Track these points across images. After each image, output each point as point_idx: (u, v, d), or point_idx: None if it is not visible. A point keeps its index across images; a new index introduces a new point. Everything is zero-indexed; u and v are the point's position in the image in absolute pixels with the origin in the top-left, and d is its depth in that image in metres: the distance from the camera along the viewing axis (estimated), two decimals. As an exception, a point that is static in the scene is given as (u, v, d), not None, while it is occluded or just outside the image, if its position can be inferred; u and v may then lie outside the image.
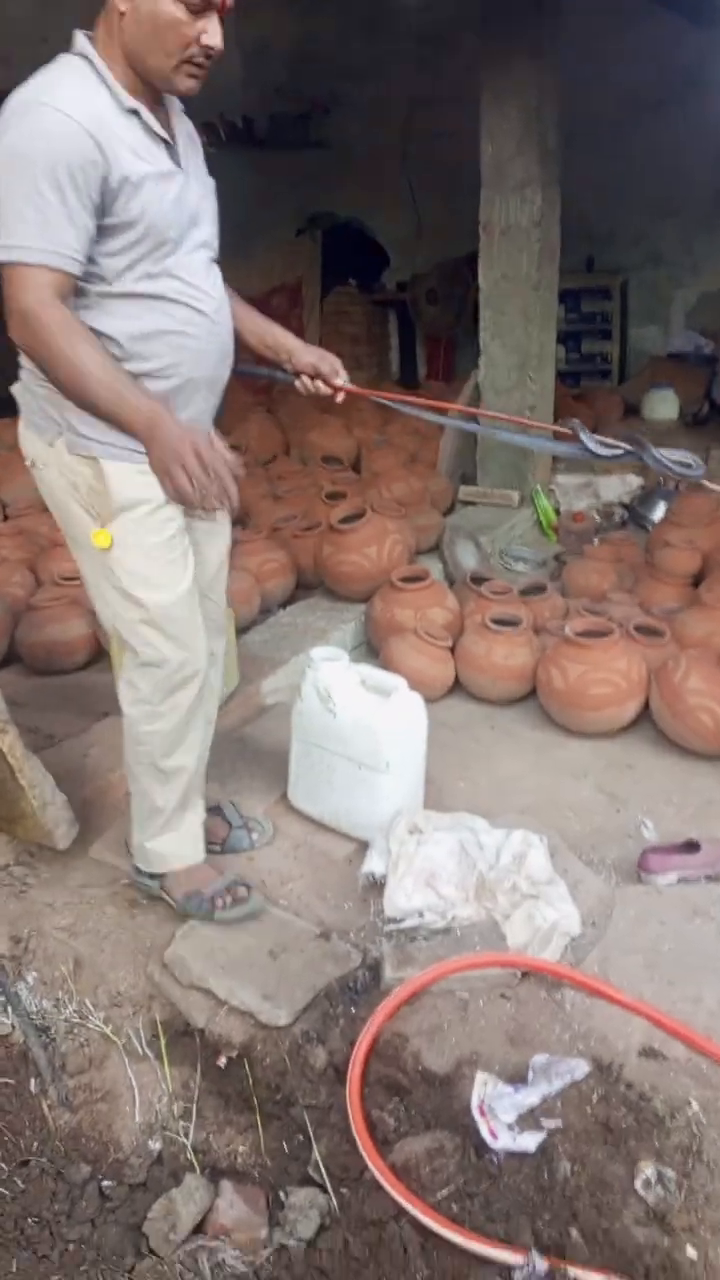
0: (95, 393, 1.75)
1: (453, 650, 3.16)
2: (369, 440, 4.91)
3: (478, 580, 3.48)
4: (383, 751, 2.27)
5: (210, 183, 1.96)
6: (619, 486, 4.63)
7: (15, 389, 1.93)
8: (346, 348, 7.43)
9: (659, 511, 4.37)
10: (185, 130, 1.93)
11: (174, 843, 2.16)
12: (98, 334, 1.78)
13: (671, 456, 2.24)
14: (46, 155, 1.64)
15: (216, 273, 1.95)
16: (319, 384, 2.19)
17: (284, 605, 3.61)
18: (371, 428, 5.14)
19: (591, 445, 2.21)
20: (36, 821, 2.17)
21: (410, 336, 7.45)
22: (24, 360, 1.85)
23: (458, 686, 3.17)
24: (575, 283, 6.49)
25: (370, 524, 3.49)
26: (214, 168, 1.99)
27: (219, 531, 2.18)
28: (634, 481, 4.67)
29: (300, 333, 7.94)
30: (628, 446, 2.22)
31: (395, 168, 6.99)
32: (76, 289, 1.75)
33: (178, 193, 1.81)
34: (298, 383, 2.20)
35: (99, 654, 3.14)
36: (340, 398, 2.24)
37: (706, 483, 2.35)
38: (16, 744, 2.04)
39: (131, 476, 1.85)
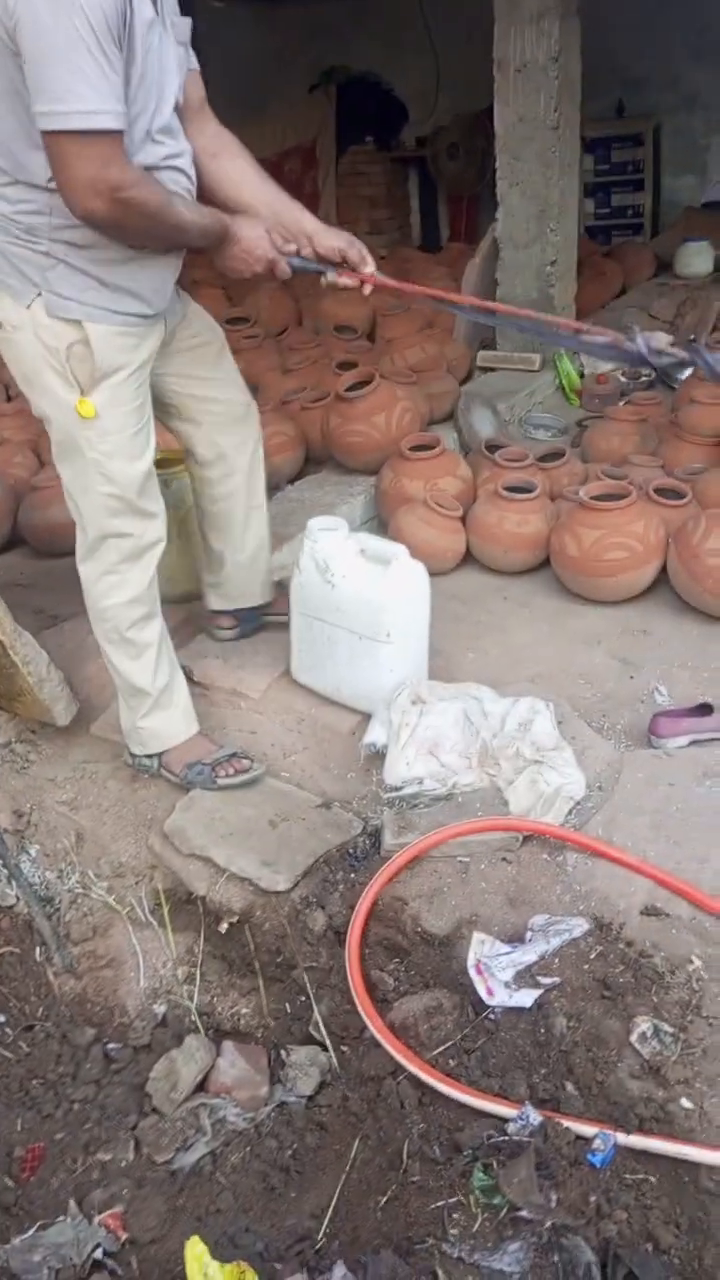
0: (191, 236, 1.81)
1: (465, 521, 3.06)
2: (384, 306, 4.71)
3: (492, 448, 3.35)
4: (383, 622, 2.21)
5: (183, 25, 1.84)
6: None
7: None
8: (364, 211, 7.11)
9: (687, 370, 4.15)
10: None
11: (164, 720, 2.15)
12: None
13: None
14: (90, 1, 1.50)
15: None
16: (344, 278, 2.03)
17: (292, 481, 3.51)
18: (387, 292, 4.91)
19: (647, 353, 2.11)
20: (35, 698, 2.16)
21: (431, 196, 7.10)
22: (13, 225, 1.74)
23: (470, 558, 3.08)
24: (604, 130, 6.10)
25: (378, 392, 3.35)
26: (221, 22, 1.86)
27: (202, 335, 2.14)
28: (663, 339, 4.44)
29: (315, 196, 7.54)
30: (684, 355, 2.11)
31: (412, 13, 6.53)
32: None
33: (156, 43, 1.70)
34: (325, 278, 2.03)
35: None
36: (368, 289, 2.08)
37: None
38: (6, 619, 2.01)
39: (113, 339, 1.82)
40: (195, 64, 1.92)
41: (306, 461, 3.63)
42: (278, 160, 6.96)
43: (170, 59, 1.77)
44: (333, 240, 1.99)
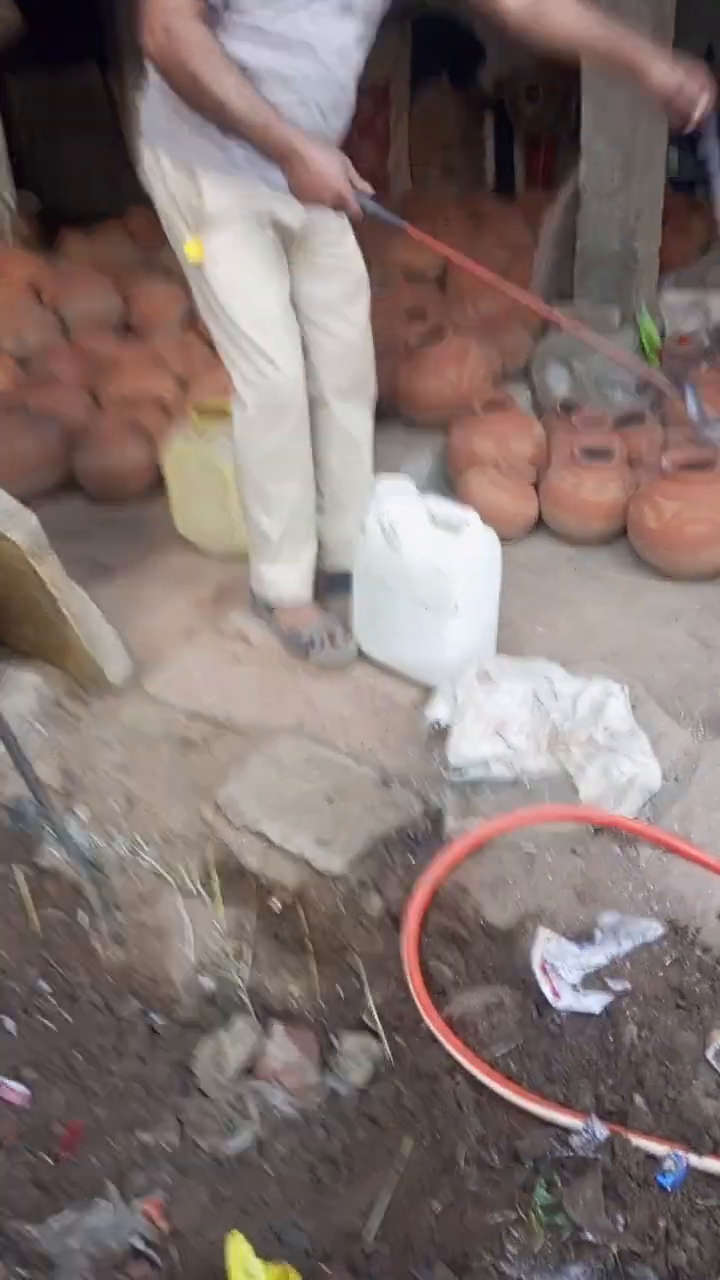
0: (237, 120, 1.79)
1: (537, 486, 2.91)
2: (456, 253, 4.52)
3: (568, 408, 3.19)
4: (451, 593, 2.10)
5: None
6: (731, 305, 4.18)
7: (140, 101, 2.01)
8: (438, 154, 6.85)
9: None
10: None
11: (279, 574, 2.32)
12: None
13: None
14: None
15: (359, 22, 1.91)
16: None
17: (357, 434, 3.38)
18: (460, 239, 4.71)
19: (695, 412, 1.99)
20: (86, 655, 2.08)
21: (508, 139, 6.82)
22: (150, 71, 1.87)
23: (541, 525, 2.94)
24: (693, 73, 5.79)
25: (450, 344, 3.20)
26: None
27: (343, 267, 2.21)
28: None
29: (386, 138, 7.28)
30: None
31: (494, -57, 6.22)
32: (215, 11, 1.76)
33: None
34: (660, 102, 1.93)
35: (159, 483, 2.98)
36: (688, 129, 1.93)
37: None
38: (58, 572, 1.92)
39: (225, 186, 1.93)
40: None
41: (375, 416, 3.49)
42: (348, 98, 6.72)
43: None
44: (665, 80, 1.88)
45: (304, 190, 1.86)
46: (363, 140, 6.94)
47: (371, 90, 6.77)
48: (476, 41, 6.90)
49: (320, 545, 2.42)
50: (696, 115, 1.87)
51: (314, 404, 2.29)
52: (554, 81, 6.22)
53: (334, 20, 1.86)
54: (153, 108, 1.96)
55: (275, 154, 1.83)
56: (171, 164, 1.95)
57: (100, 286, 4.27)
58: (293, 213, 2.03)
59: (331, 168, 1.84)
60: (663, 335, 4.10)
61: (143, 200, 2.16)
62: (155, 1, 1.72)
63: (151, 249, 4.47)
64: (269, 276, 2.05)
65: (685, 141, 5.91)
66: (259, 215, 1.99)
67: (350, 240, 2.24)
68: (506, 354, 3.58)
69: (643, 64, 1.88)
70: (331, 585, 2.50)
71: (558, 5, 1.93)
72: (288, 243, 2.10)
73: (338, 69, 1.91)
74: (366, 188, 1.92)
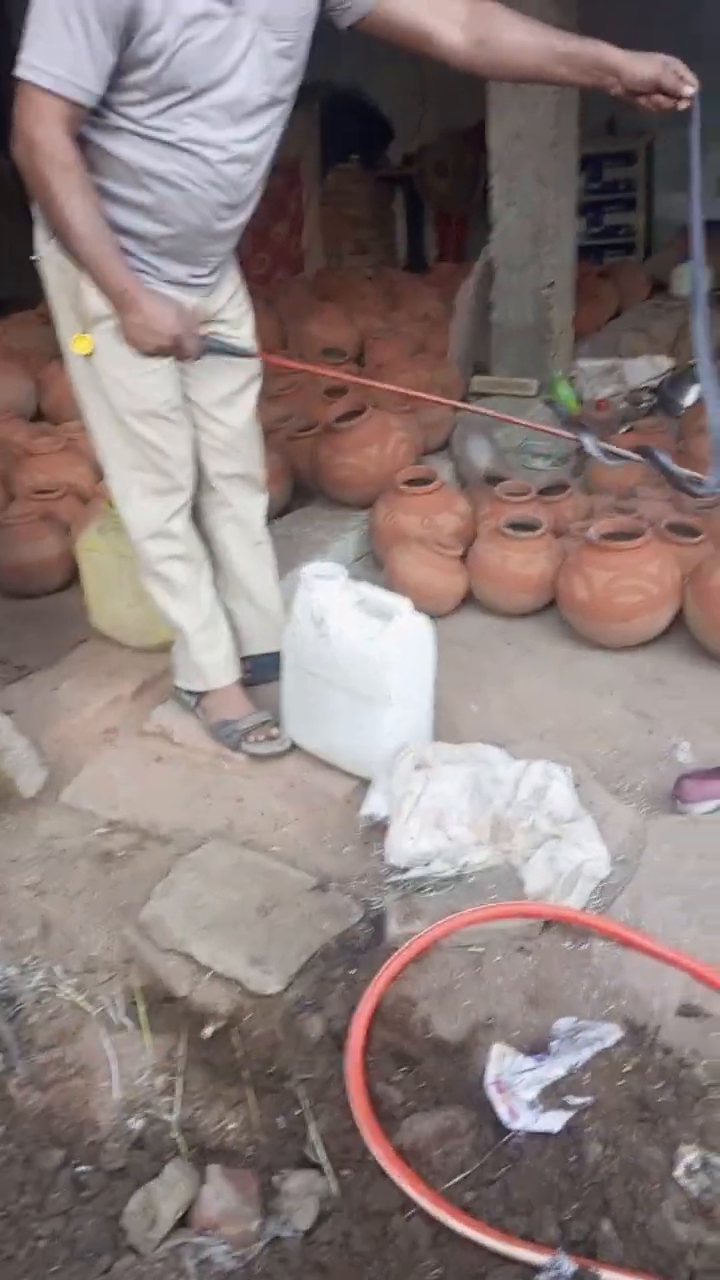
0: (76, 247, 1.76)
1: (465, 559, 2.87)
2: (372, 329, 4.53)
3: (492, 480, 3.16)
4: (383, 682, 2.01)
5: (303, 15, 1.80)
6: (647, 369, 4.24)
7: None
8: (350, 231, 6.96)
9: (690, 395, 3.99)
10: None
11: (198, 661, 2.25)
12: (108, 156, 1.78)
13: (685, 473, 2.00)
14: None
15: (258, 122, 1.84)
16: (659, 99, 1.74)
17: (280, 515, 3.31)
18: (375, 314, 4.75)
19: (597, 453, 2.01)
20: (-3, 768, 1.95)
21: (418, 215, 6.95)
22: None
23: (471, 599, 2.89)
24: (596, 147, 5.95)
25: (370, 422, 3.17)
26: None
27: (234, 362, 2.13)
28: (663, 364, 4.29)
29: (299, 218, 7.40)
30: (636, 457, 2.04)
31: (396, 28, 6.39)
32: (96, 111, 1.72)
33: (216, 36, 1.69)
34: (639, 101, 1.78)
35: (76, 575, 2.88)
36: (684, 105, 1.76)
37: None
38: (-38, 684, 1.80)
39: None
40: None
41: (295, 494, 3.44)
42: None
43: (232, 51, 1.73)
44: (645, 69, 1.72)
45: (134, 337, 1.84)
46: (276, 219, 7.03)
47: (283, 169, 6.87)
48: (384, 121, 7.07)
49: (233, 631, 2.34)
50: (690, 90, 1.73)
51: (204, 490, 2.24)
52: (462, 159, 6.38)
53: (221, 126, 1.79)
54: None
55: (109, 295, 1.81)
56: (61, 256, 1.88)
57: (11, 374, 4.18)
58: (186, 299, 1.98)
59: (163, 319, 1.83)
60: (580, 401, 4.14)
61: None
62: (24, 106, 1.67)
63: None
64: (160, 368, 1.98)
65: (589, 210, 6.00)
66: None
67: (248, 327, 2.19)
68: (428, 428, 3.56)
69: (615, 61, 1.74)
70: (255, 670, 2.42)
71: (505, 26, 1.82)
72: None
73: (228, 170, 1.84)
74: (207, 329, 1.94)
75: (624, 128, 6.06)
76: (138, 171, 1.79)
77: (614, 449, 2.05)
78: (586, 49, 1.77)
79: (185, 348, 1.89)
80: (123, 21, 1.62)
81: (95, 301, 1.88)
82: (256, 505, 2.32)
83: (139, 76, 1.69)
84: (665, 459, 1.98)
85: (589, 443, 2.00)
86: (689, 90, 1.74)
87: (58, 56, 1.62)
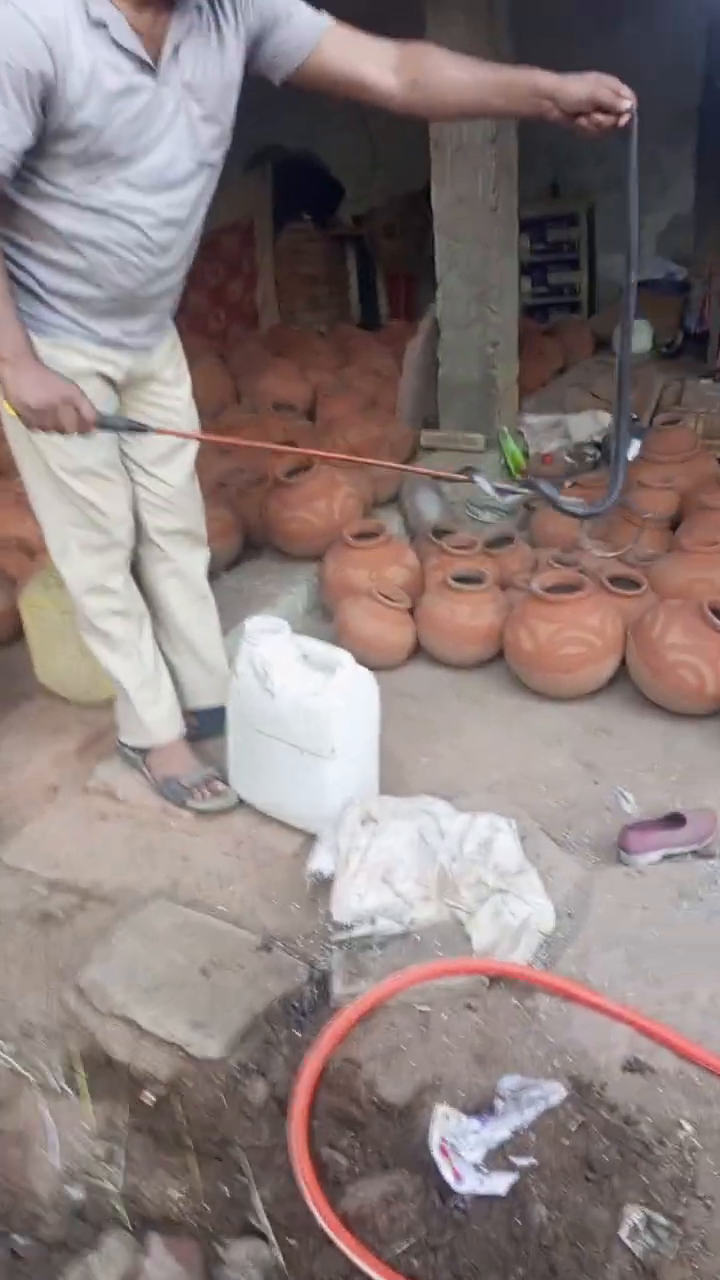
0: None
1: (413, 612, 2.89)
2: (324, 384, 4.60)
3: (439, 533, 3.20)
4: (327, 736, 2.01)
5: (227, 81, 1.81)
6: (590, 424, 4.34)
7: None
8: (304, 288, 7.06)
9: (633, 450, 4.08)
10: (200, 33, 1.75)
11: (141, 716, 2.25)
12: (38, 221, 1.76)
13: (570, 501, 2.10)
14: None
15: (188, 188, 1.84)
16: (598, 118, 1.70)
17: (229, 568, 3.32)
18: (327, 370, 4.82)
19: (489, 490, 2.05)
20: (-65, 829, 1.91)
21: (370, 274, 7.08)
22: None
23: (420, 651, 2.91)
24: (539, 210, 6.13)
25: (318, 476, 3.20)
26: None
27: (175, 410, 2.15)
28: (605, 418, 4.38)
29: (253, 275, 7.44)
30: (526, 491, 2.10)
31: (345, 93, 6.56)
32: (22, 177, 1.70)
33: (141, 108, 1.71)
34: (579, 123, 1.73)
35: (21, 630, 2.86)
36: (624, 120, 1.72)
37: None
38: None
39: (39, 348, 1.83)
40: (323, 28, 1.83)
41: (245, 547, 3.45)
42: (215, 237, 6.89)
43: (157, 121, 1.74)
44: (579, 90, 1.69)
45: (11, 399, 1.79)
46: (231, 277, 7.13)
47: (237, 229, 6.98)
48: (336, 182, 7.23)
49: (177, 685, 2.33)
50: (627, 105, 1.70)
51: (145, 544, 2.23)
52: (411, 220, 6.52)
53: (150, 193, 1.79)
54: None
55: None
56: None
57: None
58: (115, 369, 1.99)
59: (36, 390, 1.76)
60: (526, 455, 4.22)
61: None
62: None
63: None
64: (93, 437, 1.95)
65: (534, 270, 6.12)
66: (75, 372, 1.89)
67: (185, 387, 2.19)
68: (376, 482, 3.61)
69: (549, 85, 1.71)
70: (200, 725, 2.41)
71: (434, 67, 1.81)
72: (120, 388, 2.05)
73: (158, 235, 1.85)
74: (92, 411, 1.84)
75: (566, 191, 6.25)
76: (68, 236, 1.78)
77: (504, 485, 2.10)
78: (519, 77, 1.75)
79: (59, 422, 1.80)
80: (36, 94, 1.60)
81: None
82: (198, 560, 2.32)
83: (66, 148, 1.69)
84: (549, 488, 2.04)
85: (481, 481, 2.03)
86: (626, 104, 1.70)
87: None
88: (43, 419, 1.79)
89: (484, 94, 1.81)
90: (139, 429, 1.96)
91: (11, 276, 1.82)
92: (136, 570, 2.24)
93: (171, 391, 2.13)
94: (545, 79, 1.72)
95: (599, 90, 1.69)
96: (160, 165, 1.78)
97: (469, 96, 1.82)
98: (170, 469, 2.17)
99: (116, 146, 1.71)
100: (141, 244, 1.84)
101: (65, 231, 1.78)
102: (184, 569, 2.29)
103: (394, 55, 1.84)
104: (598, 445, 4.30)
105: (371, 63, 1.84)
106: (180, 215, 1.87)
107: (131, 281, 1.88)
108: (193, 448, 2.21)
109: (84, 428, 1.82)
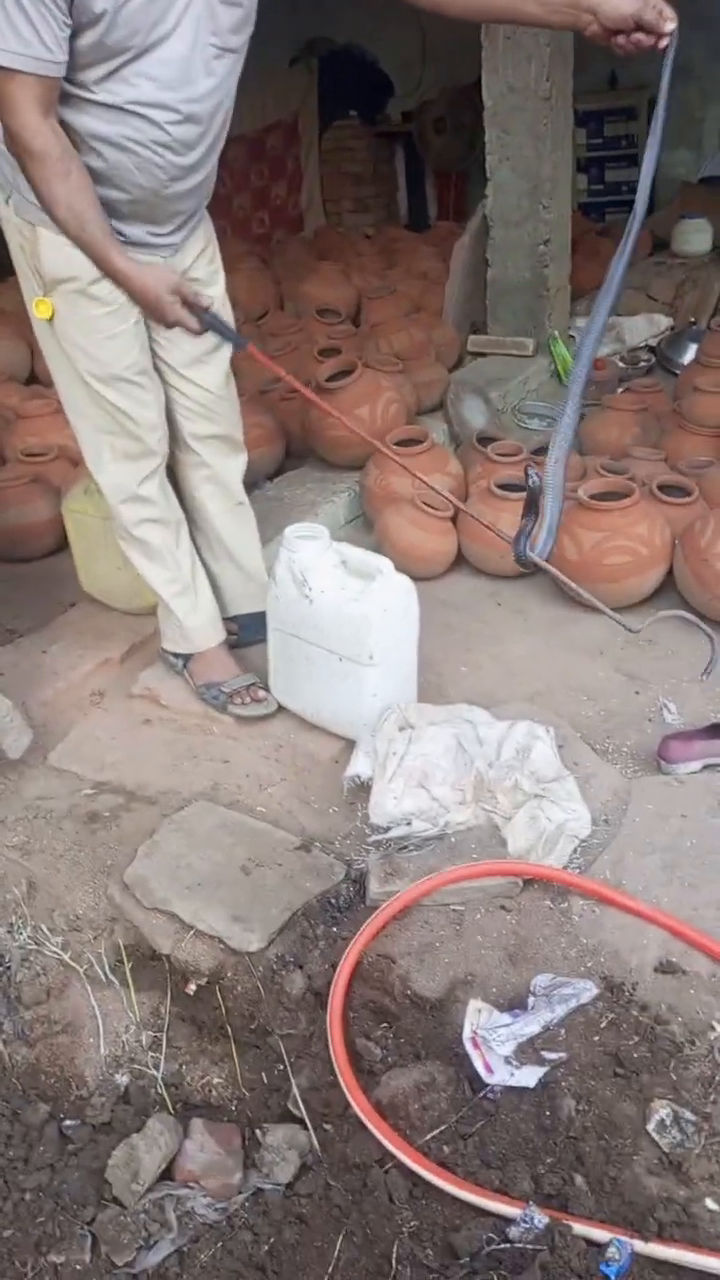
0: (63, 228, 1.77)
1: (455, 520, 2.85)
2: (369, 288, 4.49)
3: (484, 441, 3.14)
4: (366, 642, 2.01)
5: None
6: (645, 328, 4.20)
7: None
8: (349, 189, 6.87)
9: (689, 354, 3.95)
10: None
11: (182, 622, 2.26)
12: (64, 128, 1.72)
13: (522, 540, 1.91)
14: None
15: (209, 78, 1.79)
16: (638, 37, 1.65)
17: (271, 477, 3.29)
18: (372, 273, 4.70)
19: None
20: (-18, 730, 1.96)
21: (418, 172, 6.85)
22: None
23: (461, 560, 2.88)
24: (596, 103, 5.87)
25: (361, 381, 3.14)
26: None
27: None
28: (662, 322, 4.24)
29: (297, 175, 7.31)
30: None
31: (395, -19, 6.27)
32: None
33: None
34: (616, 40, 1.68)
35: (66, 539, 2.88)
36: (663, 44, 1.67)
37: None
38: (-55, 648, 1.80)
39: (64, 249, 1.84)
40: None
41: (286, 456, 3.42)
42: (259, 136, 6.70)
43: (192, 5, 1.69)
44: (625, 6, 1.63)
45: (137, 302, 1.87)
46: (274, 179, 6.94)
47: (279, 127, 6.77)
48: (384, 77, 6.95)
49: (217, 592, 2.34)
50: (670, 27, 1.64)
51: (182, 451, 2.23)
52: (461, 114, 6.26)
53: (171, 86, 1.74)
54: (4, 158, 1.87)
55: (100, 265, 1.83)
56: (18, 218, 1.87)
57: (4, 337, 4.16)
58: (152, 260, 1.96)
59: (154, 292, 1.84)
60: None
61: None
62: (6, 104, 1.64)
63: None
64: (122, 333, 1.96)
65: (590, 166, 5.87)
66: (100, 276, 1.88)
67: (219, 286, 2.15)
68: (421, 388, 3.53)
69: (591, 4, 1.64)
70: (241, 631, 2.43)
71: None
72: None
73: (178, 131, 1.80)
74: (203, 302, 1.91)
75: (625, 83, 5.95)
76: (87, 136, 1.75)
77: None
78: None
79: (179, 320, 1.88)
80: None
81: (53, 264, 1.87)
82: (235, 466, 2.30)
83: (85, 41, 1.64)
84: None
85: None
86: (670, 25, 1.65)
87: (11, 35, 1.58)
88: (164, 314, 1.86)
89: (521, 1, 1.72)
90: (235, 340, 1.98)
91: None
92: (174, 477, 2.23)
93: (205, 291, 2.08)
94: None
95: (645, 9, 1.63)
96: (180, 53, 1.72)
97: (504, 3, 1.76)
98: (205, 372, 2.14)
99: (133, 34, 1.66)
100: (160, 141, 1.79)
101: (84, 131, 1.74)
102: (221, 475, 2.27)
103: None
104: (652, 350, 4.17)
105: None
106: (201, 110, 1.81)
107: (153, 181, 1.83)
108: (227, 351, 2.17)
109: (178, 321, 1.87)
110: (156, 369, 2.10)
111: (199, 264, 2.08)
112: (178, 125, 1.79)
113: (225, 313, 2.15)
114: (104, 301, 1.90)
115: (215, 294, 2.12)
